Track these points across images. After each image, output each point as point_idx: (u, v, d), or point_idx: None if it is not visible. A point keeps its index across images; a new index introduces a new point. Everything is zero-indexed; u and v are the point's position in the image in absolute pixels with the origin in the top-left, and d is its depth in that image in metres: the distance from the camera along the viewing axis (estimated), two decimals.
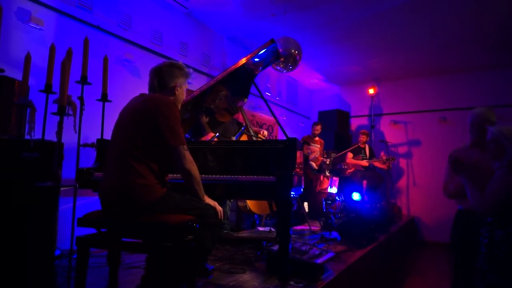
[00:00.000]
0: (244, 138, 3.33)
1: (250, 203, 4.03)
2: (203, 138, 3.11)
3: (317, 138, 6.23)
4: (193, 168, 1.80)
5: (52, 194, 2.04)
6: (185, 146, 1.79)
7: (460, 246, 2.52)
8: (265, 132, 3.77)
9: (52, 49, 2.06)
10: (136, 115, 1.80)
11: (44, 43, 3.03)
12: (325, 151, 6.18)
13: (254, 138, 3.39)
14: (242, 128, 3.23)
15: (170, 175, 1.97)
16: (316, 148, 6.14)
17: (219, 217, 1.87)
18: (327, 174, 5.79)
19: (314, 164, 5.94)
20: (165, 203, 1.73)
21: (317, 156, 6.02)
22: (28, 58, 2.07)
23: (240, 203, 4.09)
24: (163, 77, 1.93)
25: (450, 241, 2.65)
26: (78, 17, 3.41)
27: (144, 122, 1.76)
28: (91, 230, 1.82)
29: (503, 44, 5.56)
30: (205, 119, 3.17)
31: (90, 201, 3.11)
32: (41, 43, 3.04)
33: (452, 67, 6.79)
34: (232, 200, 3.97)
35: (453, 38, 5.39)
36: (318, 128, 6.16)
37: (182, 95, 2.02)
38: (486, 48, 5.76)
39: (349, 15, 4.73)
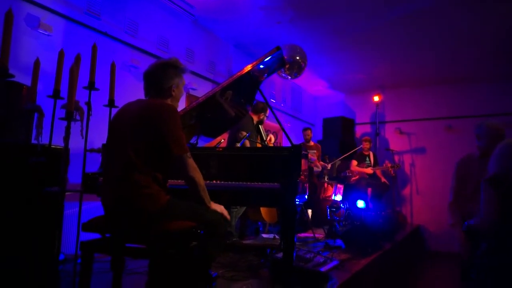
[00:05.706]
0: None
1: (263, 211, 4.02)
2: (213, 142, 3.09)
3: (312, 144, 6.07)
4: (198, 175, 1.78)
5: (58, 199, 2.05)
6: (189, 154, 1.77)
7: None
8: (272, 138, 3.79)
9: (60, 55, 2.08)
10: (137, 124, 1.75)
11: (52, 49, 3.06)
12: (327, 156, 6.08)
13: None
14: (247, 134, 3.24)
15: (171, 181, 1.96)
16: (313, 154, 5.88)
17: (226, 225, 1.85)
18: (326, 179, 5.72)
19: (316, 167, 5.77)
20: (169, 211, 1.71)
21: (315, 160, 5.77)
22: (37, 63, 2.10)
23: (250, 211, 4.07)
24: (159, 81, 1.87)
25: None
26: (86, 24, 3.45)
27: (146, 131, 1.73)
28: (96, 235, 1.82)
29: (508, 54, 5.54)
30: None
31: (95, 206, 3.11)
32: (50, 49, 3.08)
33: (458, 76, 6.76)
34: (237, 207, 3.97)
35: (459, 47, 5.38)
36: (308, 132, 6.05)
37: (179, 93, 1.97)
38: (492, 57, 5.74)
39: (355, 25, 4.75)
